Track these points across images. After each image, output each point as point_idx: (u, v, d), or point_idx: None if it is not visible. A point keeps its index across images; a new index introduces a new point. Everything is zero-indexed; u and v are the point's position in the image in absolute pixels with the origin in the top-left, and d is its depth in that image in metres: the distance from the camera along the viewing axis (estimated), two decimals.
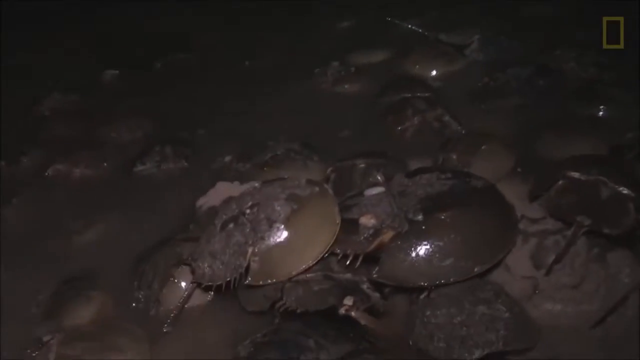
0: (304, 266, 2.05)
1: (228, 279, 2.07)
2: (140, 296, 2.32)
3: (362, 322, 1.95)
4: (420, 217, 2.03)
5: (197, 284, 2.22)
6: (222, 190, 2.58)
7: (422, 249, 1.99)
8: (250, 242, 2.06)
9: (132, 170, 3.10)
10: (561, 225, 2.14)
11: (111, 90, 3.99)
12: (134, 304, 2.32)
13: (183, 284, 2.33)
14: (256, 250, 2.05)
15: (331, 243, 2.05)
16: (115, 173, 3.11)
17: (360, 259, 2.03)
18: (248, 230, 2.08)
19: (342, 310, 1.93)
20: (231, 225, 2.13)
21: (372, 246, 2.02)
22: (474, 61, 3.79)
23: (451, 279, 1.98)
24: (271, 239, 2.05)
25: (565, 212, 2.11)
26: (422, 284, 1.99)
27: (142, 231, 2.63)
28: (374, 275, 2.01)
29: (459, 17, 4.21)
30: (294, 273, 2.05)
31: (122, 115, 3.56)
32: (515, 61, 3.57)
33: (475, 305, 1.94)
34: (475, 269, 1.98)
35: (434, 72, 3.73)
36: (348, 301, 1.94)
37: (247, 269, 2.05)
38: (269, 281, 2.04)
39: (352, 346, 1.94)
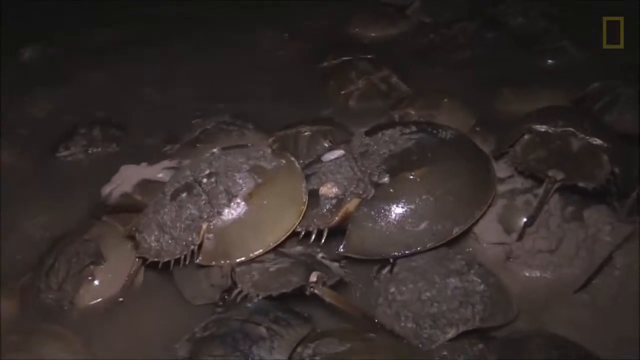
0: (263, 249, 1.80)
1: (178, 256, 1.81)
2: (49, 298, 1.98)
3: (327, 299, 1.71)
4: (386, 179, 1.80)
5: (142, 260, 1.92)
6: (128, 174, 2.30)
7: (392, 215, 1.76)
8: (205, 217, 1.80)
9: (54, 156, 2.74)
10: (531, 183, 1.96)
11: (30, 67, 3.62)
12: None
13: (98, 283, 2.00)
14: (211, 226, 1.80)
15: (296, 225, 1.82)
16: (33, 159, 2.79)
17: (325, 233, 1.81)
18: (203, 202, 1.82)
19: (309, 289, 1.69)
20: (184, 195, 1.85)
21: (337, 218, 1.81)
22: (417, 21, 3.62)
23: (428, 245, 1.76)
24: (229, 215, 1.80)
25: (535, 168, 1.92)
26: (395, 253, 1.76)
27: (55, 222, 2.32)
28: (341, 250, 1.78)
29: None
30: (251, 255, 1.79)
31: (41, 94, 3.22)
32: (461, 18, 3.42)
33: (446, 278, 1.73)
34: (455, 230, 1.77)
35: (374, 34, 3.53)
36: (313, 277, 1.71)
37: (200, 247, 1.80)
38: (222, 262, 1.78)
39: (308, 328, 1.69)
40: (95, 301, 1.98)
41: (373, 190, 1.79)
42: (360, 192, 1.81)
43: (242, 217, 1.81)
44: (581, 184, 1.86)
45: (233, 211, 1.80)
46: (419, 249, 1.76)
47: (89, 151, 2.74)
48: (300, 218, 1.83)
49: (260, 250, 1.79)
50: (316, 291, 1.70)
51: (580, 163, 1.91)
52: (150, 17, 4.01)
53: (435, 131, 1.93)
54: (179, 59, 3.49)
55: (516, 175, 1.98)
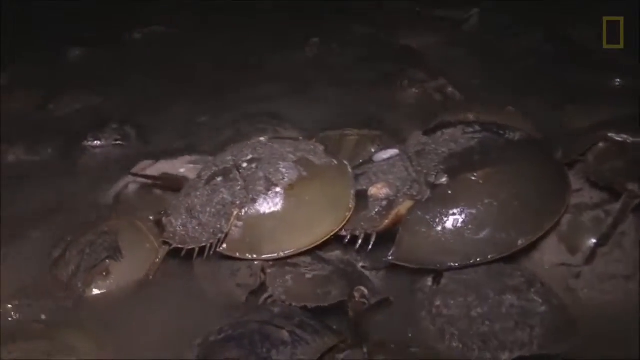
0: (295, 249, 1.64)
1: (203, 244, 1.65)
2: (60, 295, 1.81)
3: (352, 314, 1.54)
4: (444, 180, 1.62)
5: (167, 244, 1.76)
6: (145, 167, 2.16)
7: (450, 220, 1.58)
8: (237, 203, 1.64)
9: (81, 145, 2.63)
10: (601, 198, 1.73)
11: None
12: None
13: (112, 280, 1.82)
14: (242, 213, 1.63)
15: (336, 231, 1.65)
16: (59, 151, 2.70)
17: (374, 238, 1.63)
18: (239, 188, 1.66)
19: (351, 308, 1.54)
20: (219, 179, 1.70)
21: (387, 221, 1.64)
22: (472, 35, 3.48)
23: (489, 256, 1.56)
24: (264, 205, 1.64)
25: (612, 179, 1.69)
26: (451, 264, 1.57)
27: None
28: (389, 258, 1.60)
29: None
30: (282, 254, 1.63)
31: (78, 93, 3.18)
32: (520, 32, 3.25)
33: (502, 295, 1.52)
34: (520, 242, 1.57)
35: (425, 44, 3.37)
36: (357, 293, 1.56)
37: (227, 235, 1.64)
38: (248, 256, 1.62)
39: (338, 338, 1.47)
40: (106, 295, 1.82)
41: (429, 192, 1.62)
42: (415, 193, 1.64)
43: (278, 209, 1.64)
44: None
45: (269, 201, 1.64)
46: (478, 260, 1.57)
47: (117, 143, 2.63)
48: (343, 224, 1.66)
49: (293, 250, 1.63)
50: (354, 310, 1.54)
51: None
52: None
53: (501, 132, 1.75)
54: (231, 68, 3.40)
55: (586, 189, 1.76)
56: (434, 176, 1.64)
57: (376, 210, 1.67)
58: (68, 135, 2.73)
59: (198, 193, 1.71)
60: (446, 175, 1.63)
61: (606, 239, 1.66)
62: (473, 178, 1.61)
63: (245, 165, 1.72)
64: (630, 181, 1.65)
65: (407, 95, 2.76)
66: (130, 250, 1.85)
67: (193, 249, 1.67)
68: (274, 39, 3.67)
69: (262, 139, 1.86)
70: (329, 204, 1.68)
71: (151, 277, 1.83)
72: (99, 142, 2.62)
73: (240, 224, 1.64)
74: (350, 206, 1.68)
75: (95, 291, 1.80)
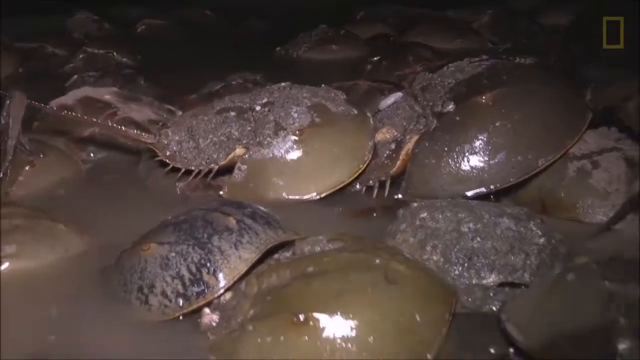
0: (300, 196, 1.55)
1: (192, 169, 1.58)
2: None
3: None
4: (451, 107, 1.52)
5: (155, 154, 1.68)
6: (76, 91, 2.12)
7: (460, 147, 1.47)
8: (244, 142, 1.58)
9: None
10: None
11: None
12: None
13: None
14: (247, 156, 1.56)
15: (345, 183, 1.57)
16: None
17: (388, 183, 1.54)
18: (249, 129, 1.60)
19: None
20: (232, 114, 1.64)
21: (399, 163, 1.54)
22: (484, 35, 3.38)
23: (509, 180, 1.43)
24: (271, 149, 1.56)
25: None
26: (468, 193, 1.44)
27: None
28: (399, 196, 1.50)
29: None
30: (284, 198, 1.55)
31: None
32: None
33: (499, 217, 1.27)
34: (540, 162, 1.44)
35: (436, 44, 3.18)
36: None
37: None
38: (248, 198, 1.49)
39: (290, 236, 1.27)
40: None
41: (435, 122, 1.51)
42: (421, 127, 1.53)
43: (285, 155, 1.56)
44: None
45: (276, 145, 1.56)
46: (497, 185, 1.44)
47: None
48: (354, 177, 1.57)
49: (297, 197, 1.54)
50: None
51: None
52: None
53: (511, 57, 1.64)
54: None
55: (621, 140, 1.57)
56: (440, 105, 1.53)
57: (386, 154, 1.58)
58: None
59: (206, 118, 1.64)
60: (452, 102, 1.52)
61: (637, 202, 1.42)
62: (482, 101, 1.48)
63: (258, 108, 1.64)
64: None
65: (411, 70, 2.56)
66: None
67: (179, 170, 1.61)
68: None
69: (283, 84, 1.76)
70: (342, 154, 1.58)
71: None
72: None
73: (244, 167, 1.56)
74: (366, 158, 1.58)
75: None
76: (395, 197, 1.52)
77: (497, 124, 1.45)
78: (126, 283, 1.23)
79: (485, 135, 1.45)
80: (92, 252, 1.44)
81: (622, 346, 0.89)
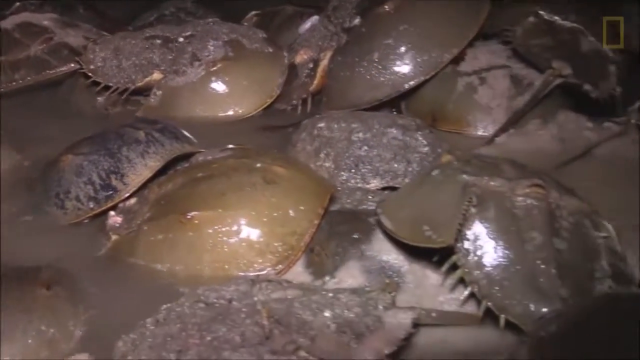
0: (209, 114, 1.72)
1: (110, 85, 1.72)
2: None
3: None
4: (357, 21, 1.63)
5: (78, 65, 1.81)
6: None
7: (369, 56, 1.58)
8: (161, 68, 1.72)
9: None
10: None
11: None
12: None
13: None
14: (163, 82, 1.71)
15: (252, 114, 1.72)
16: None
17: (310, 100, 1.68)
18: (170, 57, 1.73)
19: None
20: (158, 41, 1.77)
21: (316, 80, 1.67)
22: None
23: (418, 78, 1.55)
24: (185, 77, 1.70)
25: (538, 55, 1.61)
26: (382, 98, 1.57)
27: None
28: (321, 113, 1.58)
29: None
30: (193, 115, 1.70)
31: None
32: None
33: (387, 128, 1.41)
34: (445, 57, 1.55)
35: None
36: None
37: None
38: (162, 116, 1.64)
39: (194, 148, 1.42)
40: None
41: (345, 37, 1.63)
42: (334, 44, 1.65)
43: (197, 83, 1.70)
44: (587, 88, 1.55)
45: (190, 74, 1.70)
46: (411, 84, 1.55)
47: None
48: (260, 109, 1.72)
49: (206, 115, 1.70)
50: None
51: (587, 66, 1.60)
52: None
53: None
54: None
55: (512, 57, 1.68)
56: (347, 21, 1.64)
57: (305, 74, 1.70)
58: None
59: (133, 42, 1.76)
60: (358, 17, 1.63)
61: (523, 112, 1.55)
62: (384, 10, 1.59)
63: (181, 39, 1.76)
64: (556, 59, 1.57)
65: None
66: None
67: (97, 83, 1.73)
68: None
69: (210, 19, 1.91)
70: (251, 87, 1.73)
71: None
72: None
73: (159, 92, 1.70)
74: (274, 94, 1.72)
75: None
76: (319, 113, 1.60)
77: (400, 29, 1.56)
78: (47, 190, 1.37)
79: (390, 41, 1.56)
80: (22, 166, 1.56)
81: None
